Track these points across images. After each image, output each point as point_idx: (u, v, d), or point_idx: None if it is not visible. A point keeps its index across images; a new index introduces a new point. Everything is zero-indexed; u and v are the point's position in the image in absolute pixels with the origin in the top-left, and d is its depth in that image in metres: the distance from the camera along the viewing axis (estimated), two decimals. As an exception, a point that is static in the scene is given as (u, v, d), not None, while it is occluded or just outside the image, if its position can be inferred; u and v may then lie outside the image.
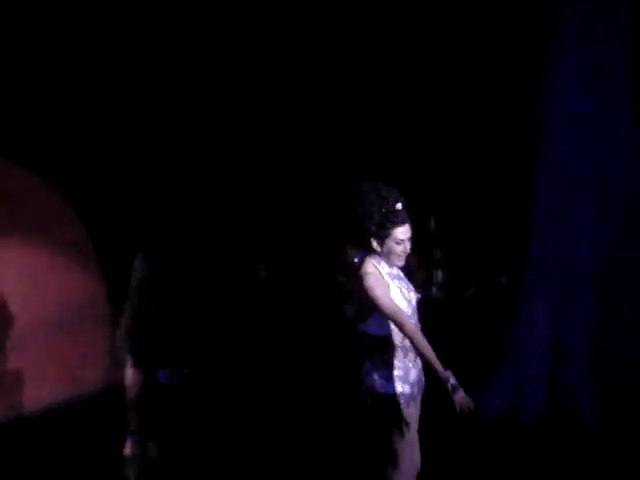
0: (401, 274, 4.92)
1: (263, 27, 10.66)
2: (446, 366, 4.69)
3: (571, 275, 8.21)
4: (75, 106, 9.76)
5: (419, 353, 4.64)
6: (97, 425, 7.89)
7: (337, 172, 10.03)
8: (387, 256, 4.77)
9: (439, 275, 9.98)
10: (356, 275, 4.79)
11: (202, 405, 4.84)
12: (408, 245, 4.79)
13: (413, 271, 5.22)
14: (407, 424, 4.77)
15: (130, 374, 4.54)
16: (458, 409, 4.45)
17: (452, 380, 4.46)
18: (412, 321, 4.70)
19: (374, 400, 4.82)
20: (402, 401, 4.73)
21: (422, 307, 4.98)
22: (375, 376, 4.78)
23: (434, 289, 9.53)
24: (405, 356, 4.79)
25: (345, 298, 9.17)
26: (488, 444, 7.13)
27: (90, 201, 9.16)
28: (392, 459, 4.80)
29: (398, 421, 4.76)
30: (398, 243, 4.73)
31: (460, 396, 4.44)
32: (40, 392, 8.07)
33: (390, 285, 4.72)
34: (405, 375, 4.75)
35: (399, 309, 4.64)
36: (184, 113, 10.63)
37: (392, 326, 4.71)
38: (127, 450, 4.50)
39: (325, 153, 10.61)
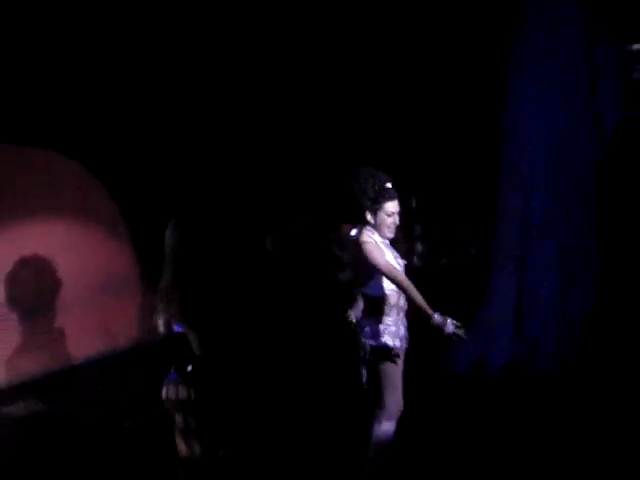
0: (389, 245, 5.16)
1: (258, 19, 10.37)
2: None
3: (531, 242, 8.34)
4: (101, 92, 9.48)
5: (412, 302, 4.90)
6: (130, 375, 8.07)
7: (333, 158, 10.02)
8: (379, 227, 5.05)
9: (419, 247, 10.11)
10: (355, 245, 5.06)
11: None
12: (397, 218, 5.09)
13: (398, 243, 5.53)
14: (395, 372, 5.05)
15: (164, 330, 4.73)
16: (449, 337, 4.79)
17: (439, 318, 4.76)
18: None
19: (370, 352, 5.08)
20: (394, 350, 5.00)
21: (405, 273, 5.17)
22: (371, 332, 5.06)
23: (415, 258, 9.65)
24: (397, 314, 5.07)
25: (340, 266, 9.54)
26: (461, 394, 7.20)
27: (121, 183, 9.17)
28: (381, 401, 5.04)
29: (389, 369, 5.02)
30: (389, 215, 5.04)
31: (449, 328, 4.75)
32: (81, 346, 8.23)
33: (384, 251, 4.99)
34: (397, 331, 5.03)
35: (394, 267, 4.95)
36: (199, 100, 10.33)
37: (387, 288, 5.01)
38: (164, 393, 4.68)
39: (323, 142, 10.55)
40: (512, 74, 8.61)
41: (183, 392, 4.33)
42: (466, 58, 10.58)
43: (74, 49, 9.13)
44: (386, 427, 5.08)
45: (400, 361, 5.08)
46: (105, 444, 6.52)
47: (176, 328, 4.38)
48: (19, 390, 7.62)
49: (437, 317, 4.76)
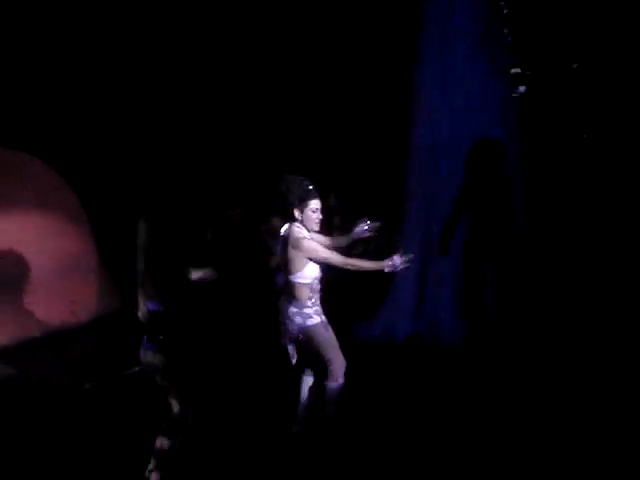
0: (314, 236, 5.31)
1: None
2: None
3: (431, 229, 8.35)
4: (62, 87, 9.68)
5: (361, 269, 5.16)
6: (86, 344, 8.32)
7: (263, 159, 10.32)
8: (307, 222, 5.23)
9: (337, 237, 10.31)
10: (287, 240, 5.21)
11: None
12: (320, 214, 5.28)
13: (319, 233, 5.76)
14: (331, 338, 5.29)
15: (142, 308, 4.80)
16: (401, 267, 5.07)
17: (389, 264, 5.07)
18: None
19: (304, 331, 5.24)
20: (322, 326, 5.25)
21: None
22: (300, 315, 5.23)
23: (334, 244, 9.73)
24: (317, 298, 5.28)
25: (269, 253, 9.72)
26: (371, 359, 7.21)
27: (82, 177, 9.30)
28: (329, 362, 5.24)
29: (326, 339, 5.25)
30: (313, 212, 5.22)
31: (398, 264, 5.04)
32: (44, 319, 8.40)
33: (318, 242, 5.24)
34: (319, 310, 5.27)
35: (331, 253, 5.15)
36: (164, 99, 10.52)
37: (311, 276, 5.19)
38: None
39: (252, 146, 10.81)
40: (418, 94, 8.57)
41: (158, 358, 4.77)
42: (376, 71, 10.72)
43: (50, 49, 9.30)
44: (338, 383, 5.31)
45: (330, 329, 5.32)
46: (65, 406, 6.65)
47: (150, 306, 4.79)
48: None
49: (387, 264, 5.06)
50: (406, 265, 5.12)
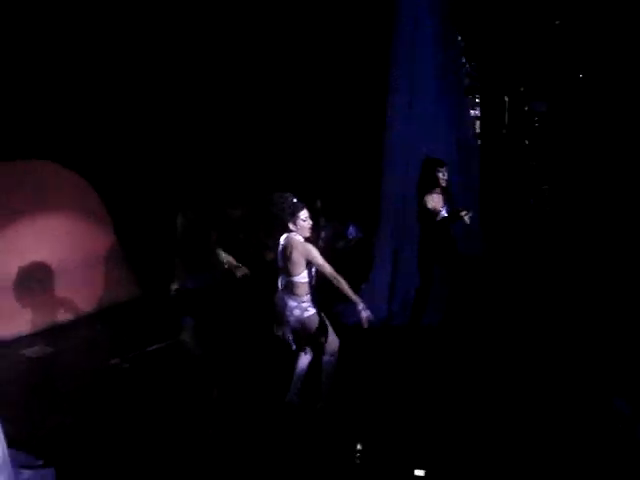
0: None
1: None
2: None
3: (403, 224, 8.23)
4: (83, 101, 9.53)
5: (338, 287, 5.28)
6: (112, 326, 8.43)
7: (257, 170, 10.33)
8: (300, 230, 5.42)
9: (322, 234, 10.00)
10: (287, 246, 5.40)
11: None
12: (310, 221, 5.47)
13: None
14: (325, 322, 5.58)
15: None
16: (364, 322, 5.26)
17: (361, 304, 5.27)
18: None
19: (302, 321, 5.48)
20: (317, 315, 5.51)
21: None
22: (299, 308, 5.46)
23: (320, 243, 9.27)
24: (312, 292, 5.53)
25: (266, 248, 9.58)
26: (351, 339, 6.85)
27: (105, 184, 9.37)
28: (325, 345, 5.55)
29: (321, 324, 5.53)
30: (304, 220, 5.41)
31: (366, 313, 5.26)
32: (74, 305, 8.51)
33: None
34: (313, 301, 5.51)
35: (324, 262, 5.34)
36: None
37: (309, 276, 5.42)
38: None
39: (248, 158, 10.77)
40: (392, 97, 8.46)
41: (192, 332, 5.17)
42: (352, 83, 10.64)
43: (56, 58, 9.06)
44: (332, 359, 5.62)
45: (323, 316, 5.60)
46: (96, 377, 6.88)
47: (188, 284, 5.12)
48: (34, 337, 7.99)
49: (361, 305, 5.28)
50: (366, 321, 5.30)
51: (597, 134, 9.87)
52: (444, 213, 7.06)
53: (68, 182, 8.96)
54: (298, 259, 5.40)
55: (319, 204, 10.07)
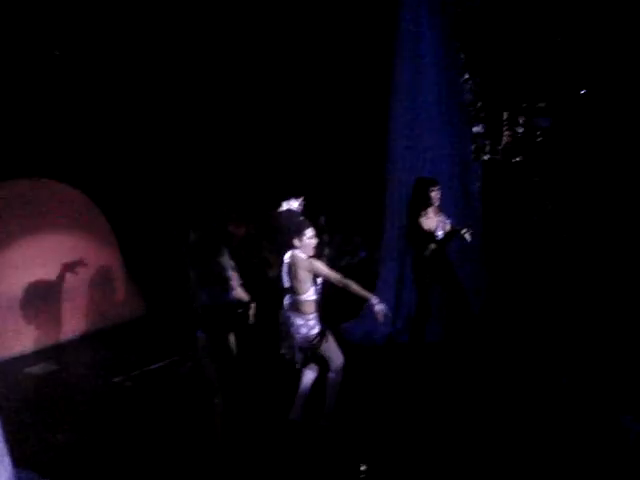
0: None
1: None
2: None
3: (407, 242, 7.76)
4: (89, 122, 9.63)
5: (353, 290, 5.25)
6: (117, 344, 8.39)
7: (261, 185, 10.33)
8: (304, 248, 5.40)
9: (327, 251, 9.84)
10: (293, 264, 5.41)
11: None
12: (314, 240, 5.47)
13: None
14: (331, 342, 5.57)
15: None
16: (380, 317, 5.20)
17: (374, 299, 5.22)
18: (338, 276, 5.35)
19: (311, 338, 5.48)
20: (323, 332, 5.50)
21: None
22: (306, 326, 5.46)
23: (324, 260, 9.51)
24: (319, 310, 5.53)
25: (269, 265, 9.60)
26: (356, 357, 6.83)
27: (110, 203, 9.41)
28: (329, 359, 5.55)
29: (327, 340, 5.52)
30: (310, 238, 5.41)
31: (380, 307, 5.19)
32: (78, 323, 8.62)
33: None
34: (320, 319, 5.52)
35: (330, 271, 5.39)
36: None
37: (315, 294, 5.43)
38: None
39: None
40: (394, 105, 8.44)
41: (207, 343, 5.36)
42: (355, 102, 10.59)
43: (65, 79, 9.11)
44: (337, 376, 5.61)
45: (330, 335, 5.59)
46: (100, 395, 6.89)
47: (203, 299, 5.30)
48: (38, 354, 8.02)
49: (374, 299, 5.23)
50: (381, 312, 5.25)
51: (601, 149, 9.87)
52: (439, 233, 7.03)
53: (73, 200, 9.02)
54: (304, 277, 5.42)
55: (323, 221, 10.08)
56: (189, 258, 5.32)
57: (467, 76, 10.14)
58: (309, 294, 5.46)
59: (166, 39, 10.00)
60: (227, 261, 5.41)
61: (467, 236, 6.85)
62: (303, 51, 10.64)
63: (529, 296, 8.96)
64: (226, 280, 5.38)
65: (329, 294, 5.75)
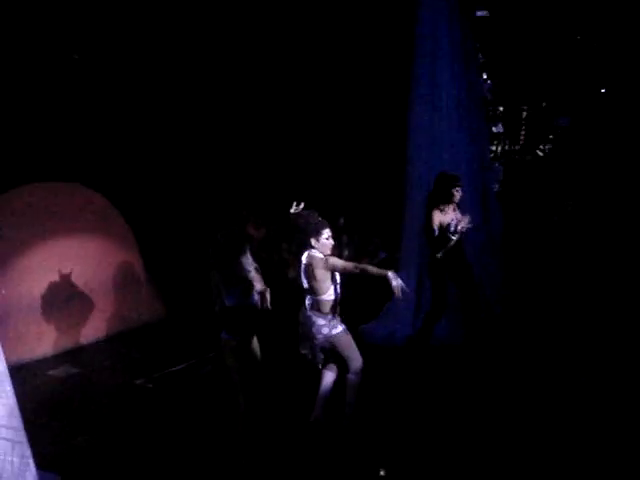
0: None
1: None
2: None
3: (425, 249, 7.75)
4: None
5: (370, 274, 5.15)
6: (138, 346, 8.43)
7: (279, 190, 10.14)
8: (322, 248, 5.41)
9: (345, 252, 10.07)
10: (310, 264, 5.41)
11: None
12: (332, 240, 5.48)
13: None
14: (350, 340, 5.56)
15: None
16: (397, 292, 5.04)
17: (390, 274, 5.06)
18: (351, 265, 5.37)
19: (331, 338, 5.48)
20: (344, 332, 5.51)
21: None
22: (327, 326, 5.45)
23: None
24: (337, 310, 5.56)
25: (288, 266, 9.63)
26: (378, 358, 6.86)
27: (130, 206, 9.42)
28: (349, 359, 5.51)
29: (347, 343, 5.52)
30: (327, 239, 5.41)
31: (396, 282, 5.03)
32: (99, 326, 8.66)
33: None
34: (339, 319, 5.54)
35: (345, 262, 5.44)
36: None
37: (333, 294, 5.44)
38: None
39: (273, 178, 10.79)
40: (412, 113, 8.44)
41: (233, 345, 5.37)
42: (374, 103, 10.54)
43: (86, 85, 9.09)
44: (356, 377, 5.57)
45: (349, 334, 5.59)
46: (120, 398, 6.89)
47: (227, 302, 5.33)
48: (59, 357, 8.07)
49: (390, 274, 5.07)
50: (399, 288, 5.10)
51: (620, 148, 9.80)
52: (453, 228, 6.95)
53: (94, 204, 9.06)
54: (322, 276, 5.42)
55: (342, 222, 10.08)
56: (213, 259, 5.35)
57: (485, 76, 10.13)
58: (329, 294, 5.47)
59: (186, 46, 10.02)
60: (250, 263, 5.43)
61: (462, 225, 6.86)
62: (323, 55, 10.64)
63: (549, 294, 8.93)
64: (249, 282, 5.39)
65: (348, 296, 5.74)
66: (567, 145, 10.51)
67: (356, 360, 5.59)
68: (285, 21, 10.36)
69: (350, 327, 5.70)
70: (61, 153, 8.74)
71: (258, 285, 5.54)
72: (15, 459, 4.25)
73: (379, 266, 5.49)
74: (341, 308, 5.61)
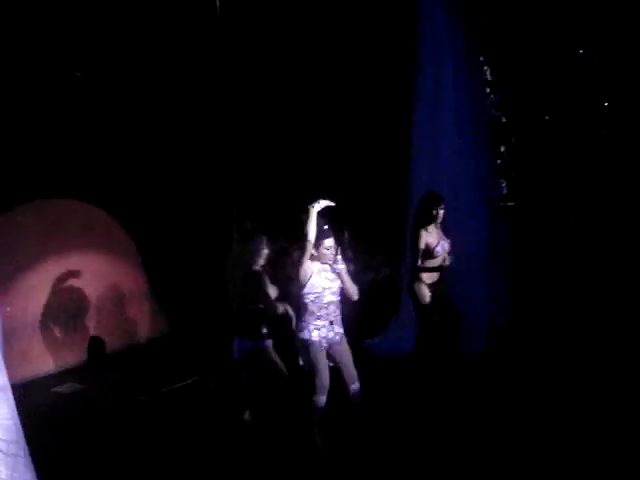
0: (327, 267, 5.50)
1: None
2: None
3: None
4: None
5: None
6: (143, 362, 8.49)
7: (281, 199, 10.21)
8: (321, 257, 5.44)
9: (350, 267, 10.16)
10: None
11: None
12: (332, 251, 5.46)
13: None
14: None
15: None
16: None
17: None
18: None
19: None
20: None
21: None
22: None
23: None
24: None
25: (292, 282, 9.70)
26: (381, 370, 7.22)
27: (134, 222, 9.47)
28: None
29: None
30: (327, 249, 5.43)
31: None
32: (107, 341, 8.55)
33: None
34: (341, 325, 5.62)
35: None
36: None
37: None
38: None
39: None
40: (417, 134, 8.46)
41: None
42: (377, 117, 10.42)
43: (87, 102, 8.95)
44: (356, 386, 5.56)
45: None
46: (125, 414, 6.86)
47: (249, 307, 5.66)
48: (64, 374, 8.09)
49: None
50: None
51: (627, 161, 9.81)
52: (439, 249, 6.98)
53: (98, 220, 9.09)
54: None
55: (347, 235, 10.05)
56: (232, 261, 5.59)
57: (489, 90, 10.14)
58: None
59: (185, 61, 10.04)
60: (266, 278, 5.59)
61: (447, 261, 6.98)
62: (324, 71, 10.59)
63: (555, 304, 8.91)
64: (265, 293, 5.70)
65: (351, 313, 5.78)
66: (572, 154, 10.48)
67: (351, 369, 5.58)
68: (285, 28, 10.36)
69: (353, 342, 5.69)
70: (64, 170, 8.73)
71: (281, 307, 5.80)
72: (16, 474, 4.22)
73: (382, 282, 5.50)
74: (346, 324, 5.58)
